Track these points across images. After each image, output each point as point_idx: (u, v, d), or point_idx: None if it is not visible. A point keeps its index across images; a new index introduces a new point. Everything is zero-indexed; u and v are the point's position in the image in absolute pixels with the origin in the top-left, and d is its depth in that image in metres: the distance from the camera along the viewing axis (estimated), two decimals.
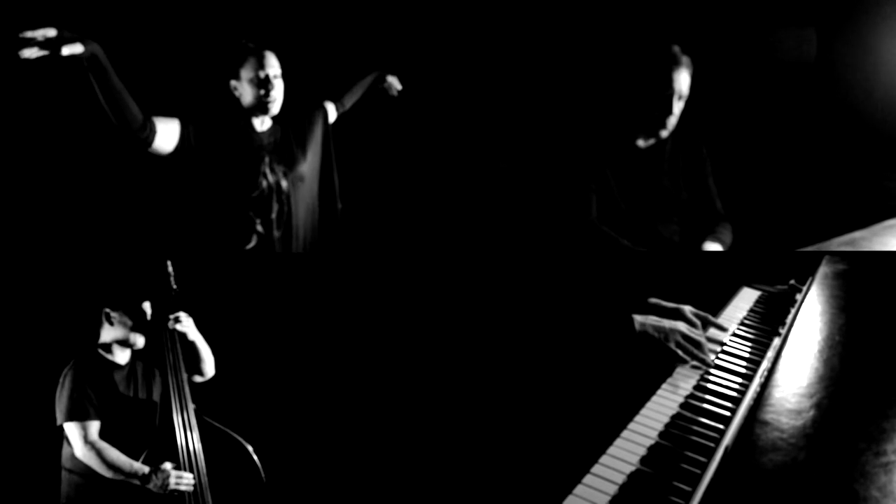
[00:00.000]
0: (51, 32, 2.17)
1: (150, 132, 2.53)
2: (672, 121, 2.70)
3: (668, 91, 2.65)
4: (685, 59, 2.69)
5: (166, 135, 2.58)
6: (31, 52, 2.14)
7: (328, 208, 2.99)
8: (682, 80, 2.68)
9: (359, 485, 2.81)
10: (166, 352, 2.45)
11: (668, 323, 2.12)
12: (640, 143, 2.78)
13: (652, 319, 2.13)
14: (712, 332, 2.25)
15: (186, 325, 2.49)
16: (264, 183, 2.77)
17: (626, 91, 2.75)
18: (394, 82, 3.26)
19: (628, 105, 2.75)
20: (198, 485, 2.36)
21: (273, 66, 2.72)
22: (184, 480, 2.33)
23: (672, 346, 2.08)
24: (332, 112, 3.08)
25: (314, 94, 3.06)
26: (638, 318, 2.13)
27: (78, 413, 2.33)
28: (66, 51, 2.20)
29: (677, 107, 2.69)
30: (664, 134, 2.73)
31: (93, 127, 3.26)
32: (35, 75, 3.22)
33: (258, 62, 2.69)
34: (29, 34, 2.15)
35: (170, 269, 2.51)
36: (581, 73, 3.65)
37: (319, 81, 3.37)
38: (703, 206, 2.87)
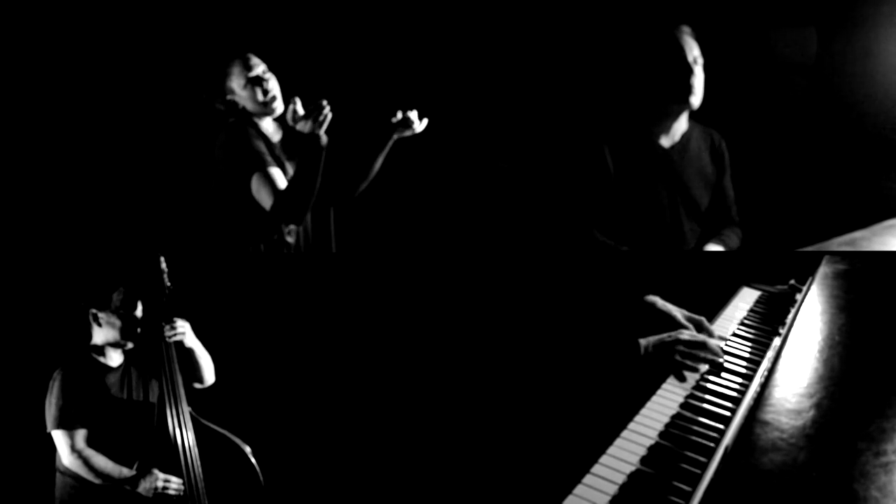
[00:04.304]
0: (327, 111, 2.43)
1: None
2: (698, 84, 2.64)
3: (681, 53, 2.62)
4: (685, 28, 2.68)
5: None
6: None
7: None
8: (692, 44, 2.65)
9: (358, 486, 2.80)
10: (160, 354, 2.43)
11: (667, 336, 2.11)
12: (664, 141, 2.73)
13: (653, 339, 2.12)
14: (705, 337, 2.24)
15: (181, 331, 2.45)
16: None
17: (641, 73, 2.69)
18: (411, 119, 2.80)
19: (648, 86, 2.69)
20: (195, 487, 2.35)
21: (259, 64, 2.67)
22: (172, 485, 2.32)
23: (678, 358, 2.07)
24: None
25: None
26: (641, 341, 2.11)
27: (65, 421, 2.32)
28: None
29: (697, 69, 2.64)
30: (695, 102, 2.65)
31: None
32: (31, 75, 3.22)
33: (243, 65, 2.65)
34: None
35: (163, 265, 2.47)
36: (589, 71, 3.64)
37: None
38: (718, 211, 2.82)
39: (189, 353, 2.48)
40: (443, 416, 2.71)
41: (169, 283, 2.46)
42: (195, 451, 2.39)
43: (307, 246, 2.83)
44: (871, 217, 2.91)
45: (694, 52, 2.65)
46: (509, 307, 2.78)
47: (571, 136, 2.84)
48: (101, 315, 2.43)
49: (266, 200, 2.50)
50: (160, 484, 2.30)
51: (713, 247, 2.72)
